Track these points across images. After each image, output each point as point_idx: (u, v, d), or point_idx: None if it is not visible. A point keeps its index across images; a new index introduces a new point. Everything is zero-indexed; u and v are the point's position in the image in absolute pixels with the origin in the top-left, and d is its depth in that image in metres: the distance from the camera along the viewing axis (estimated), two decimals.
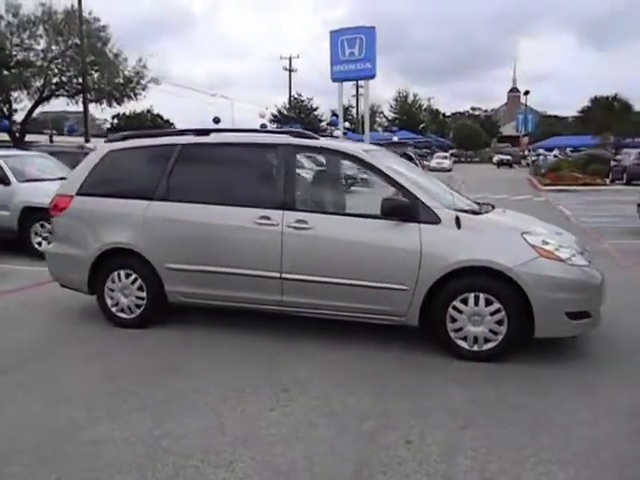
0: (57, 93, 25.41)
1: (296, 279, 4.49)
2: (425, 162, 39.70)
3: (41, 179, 9.22)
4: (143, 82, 26.40)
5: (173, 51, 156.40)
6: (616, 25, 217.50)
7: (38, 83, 24.40)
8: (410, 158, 25.12)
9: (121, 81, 25.79)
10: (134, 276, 4.98)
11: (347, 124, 36.43)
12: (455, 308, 4.21)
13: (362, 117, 31.44)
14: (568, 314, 4.08)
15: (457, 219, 4.24)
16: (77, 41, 23.59)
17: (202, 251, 4.75)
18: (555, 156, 35.96)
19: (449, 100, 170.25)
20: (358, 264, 4.37)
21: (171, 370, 4.10)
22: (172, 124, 54.01)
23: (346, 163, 5.02)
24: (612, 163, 26.98)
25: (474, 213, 4.58)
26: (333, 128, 28.16)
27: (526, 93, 51.34)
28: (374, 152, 4.97)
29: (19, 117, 25.21)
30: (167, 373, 4.05)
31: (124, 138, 5.40)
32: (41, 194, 8.69)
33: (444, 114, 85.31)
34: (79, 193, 5.23)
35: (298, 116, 52.46)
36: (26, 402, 3.58)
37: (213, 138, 5.11)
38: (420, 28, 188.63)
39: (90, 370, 4.14)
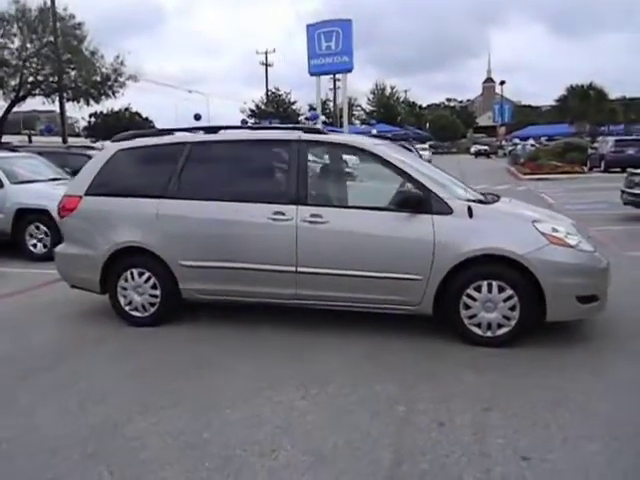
0: (33, 92, 25.01)
1: (311, 272, 4.58)
2: None
3: (33, 180, 9.14)
4: (121, 79, 26.13)
5: (145, 48, 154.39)
6: (586, 15, 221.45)
7: (14, 82, 24.00)
8: (409, 150, 25.19)
9: (98, 79, 25.46)
10: (147, 274, 5.02)
11: (323, 118, 36.45)
12: (469, 296, 4.34)
13: (340, 110, 31.46)
14: (578, 298, 4.25)
15: (469, 209, 4.38)
16: (52, 39, 23.21)
17: (217, 248, 4.80)
18: (532, 145, 36.47)
19: (424, 92, 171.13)
20: (373, 256, 4.47)
21: (198, 366, 4.17)
22: (151, 122, 53.38)
23: (354, 157, 5.10)
24: (590, 151, 27.46)
25: (483, 203, 4.72)
26: (312, 122, 28.19)
27: (502, 83, 52.03)
28: (382, 146, 5.07)
29: None
30: (194, 369, 4.12)
31: (133, 137, 5.41)
32: (34, 195, 8.65)
33: (420, 106, 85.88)
34: (88, 193, 5.23)
35: (276, 110, 52.35)
36: (62, 401, 3.61)
37: (224, 135, 5.16)
38: (394, 20, 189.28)
39: (117, 368, 4.19)
